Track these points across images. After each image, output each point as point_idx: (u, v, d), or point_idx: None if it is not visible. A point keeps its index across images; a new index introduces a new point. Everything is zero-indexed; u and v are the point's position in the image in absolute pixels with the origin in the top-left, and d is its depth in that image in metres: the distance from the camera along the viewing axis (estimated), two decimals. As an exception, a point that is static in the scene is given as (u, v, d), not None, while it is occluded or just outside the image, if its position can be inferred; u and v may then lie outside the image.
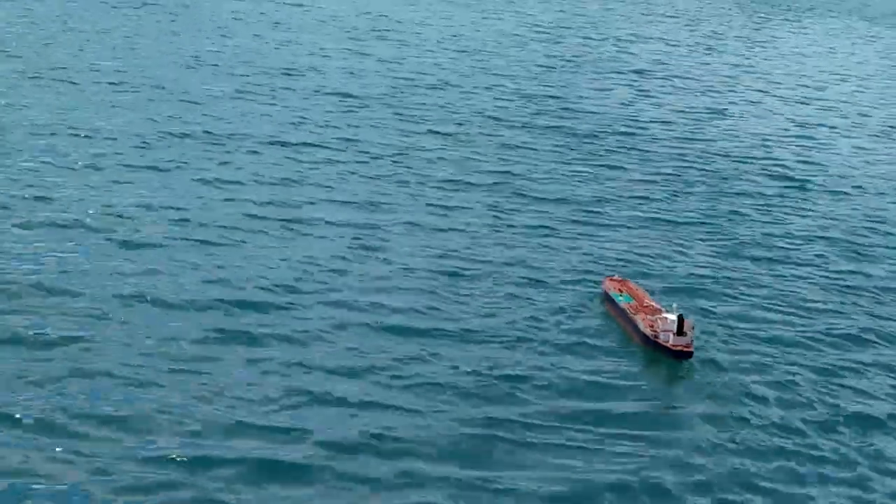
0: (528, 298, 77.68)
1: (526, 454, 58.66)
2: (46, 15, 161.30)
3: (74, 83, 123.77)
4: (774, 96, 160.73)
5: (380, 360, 66.56)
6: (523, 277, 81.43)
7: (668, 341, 69.80)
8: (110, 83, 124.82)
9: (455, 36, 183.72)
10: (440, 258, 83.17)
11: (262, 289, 74.35)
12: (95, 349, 64.25)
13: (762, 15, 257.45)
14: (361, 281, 77.63)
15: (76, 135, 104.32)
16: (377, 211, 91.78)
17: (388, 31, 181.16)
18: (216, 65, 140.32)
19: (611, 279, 79.73)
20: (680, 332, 69.81)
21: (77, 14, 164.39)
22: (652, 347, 70.55)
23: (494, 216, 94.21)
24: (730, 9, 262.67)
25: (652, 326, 71.31)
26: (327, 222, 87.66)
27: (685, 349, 69.55)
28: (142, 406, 59.04)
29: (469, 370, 66.43)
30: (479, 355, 68.50)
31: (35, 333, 65.26)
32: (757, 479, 59.29)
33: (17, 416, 57.06)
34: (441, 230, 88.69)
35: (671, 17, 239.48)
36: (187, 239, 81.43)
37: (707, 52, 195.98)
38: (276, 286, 74.73)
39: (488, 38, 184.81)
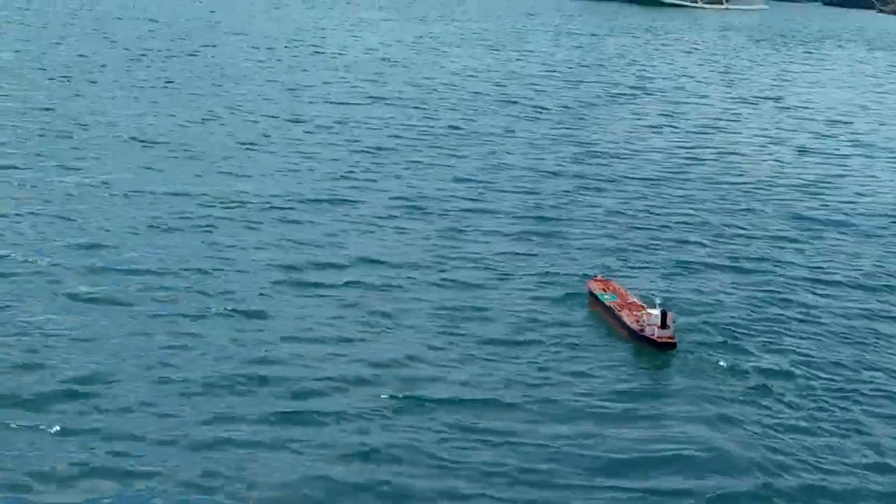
0: (515, 301, 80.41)
1: (524, 446, 59.75)
2: (52, 62, 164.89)
3: (87, 138, 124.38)
4: (797, 131, 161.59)
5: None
6: (514, 285, 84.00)
7: (653, 334, 73.29)
8: (129, 139, 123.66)
9: (470, 78, 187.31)
10: (451, 296, 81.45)
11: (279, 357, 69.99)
12: (111, 425, 60.05)
13: (776, 49, 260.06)
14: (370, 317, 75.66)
15: (88, 193, 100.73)
16: (394, 260, 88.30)
17: (406, 79, 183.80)
18: (231, 115, 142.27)
19: (595, 279, 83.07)
20: (663, 325, 73.55)
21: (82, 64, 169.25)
22: (638, 340, 74.00)
23: (498, 243, 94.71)
24: (744, 43, 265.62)
25: (637, 321, 74.75)
26: (347, 281, 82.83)
27: (669, 340, 73.27)
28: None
29: (465, 371, 68.11)
30: (482, 358, 70.10)
31: (52, 411, 60.74)
32: (748, 455, 60.22)
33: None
34: (452, 282, 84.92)
35: (687, 53, 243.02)
36: (208, 306, 76.26)
37: (725, 86, 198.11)
38: (295, 353, 70.21)
39: (504, 80, 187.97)
